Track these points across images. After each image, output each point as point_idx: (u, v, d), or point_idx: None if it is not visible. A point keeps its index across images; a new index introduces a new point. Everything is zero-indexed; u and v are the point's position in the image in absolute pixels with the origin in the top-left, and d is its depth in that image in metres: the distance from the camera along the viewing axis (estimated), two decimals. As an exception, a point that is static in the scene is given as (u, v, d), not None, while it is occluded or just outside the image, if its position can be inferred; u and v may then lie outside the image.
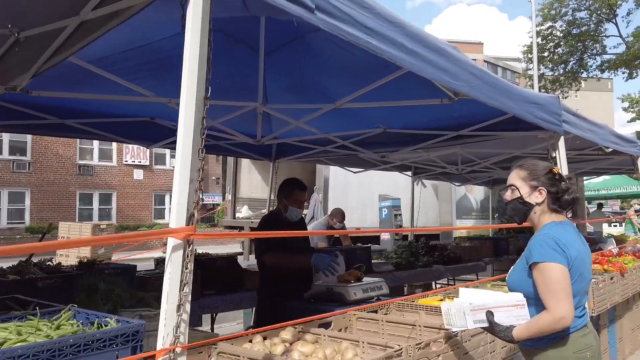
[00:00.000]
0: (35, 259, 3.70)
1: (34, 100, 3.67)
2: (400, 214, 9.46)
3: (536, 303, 2.00)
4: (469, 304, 2.02)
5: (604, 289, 4.18)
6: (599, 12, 22.98)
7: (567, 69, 24.79)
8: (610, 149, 4.96)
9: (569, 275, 1.94)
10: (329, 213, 8.01)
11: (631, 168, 6.74)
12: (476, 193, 11.51)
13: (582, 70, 24.90)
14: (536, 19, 21.24)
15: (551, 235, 1.99)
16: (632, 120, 26.40)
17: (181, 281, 1.26)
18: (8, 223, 20.24)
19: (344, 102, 3.44)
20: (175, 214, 1.28)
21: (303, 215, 4.12)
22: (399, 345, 2.00)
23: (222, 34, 3.54)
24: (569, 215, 2.17)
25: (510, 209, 2.19)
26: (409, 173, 8.12)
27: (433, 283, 7.08)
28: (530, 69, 23.74)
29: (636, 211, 15.84)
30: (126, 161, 23.76)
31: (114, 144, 22.25)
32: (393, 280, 5.64)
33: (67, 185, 21.87)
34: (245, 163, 10.87)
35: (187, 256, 1.29)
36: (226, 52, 3.72)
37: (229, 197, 10.83)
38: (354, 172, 7.09)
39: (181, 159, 1.30)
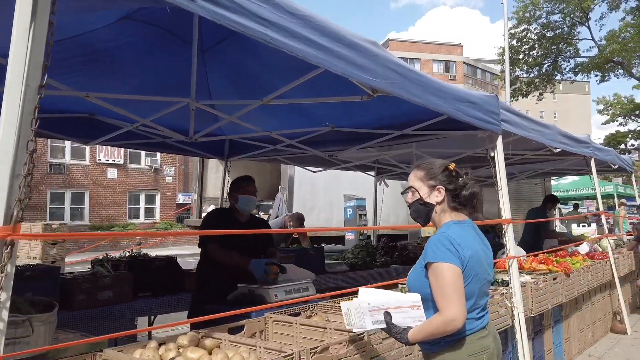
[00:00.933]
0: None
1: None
2: (365, 214, 9.41)
3: (434, 305, 1.93)
4: (367, 304, 1.98)
5: (545, 289, 4.16)
6: (572, 15, 23.31)
7: (541, 72, 25.09)
8: (558, 149, 4.96)
9: (463, 276, 1.89)
10: (289, 213, 7.92)
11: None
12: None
13: (556, 73, 25.23)
14: (511, 22, 21.46)
15: (447, 234, 1.94)
16: (607, 122, 26.84)
17: (-5, 286, 1.16)
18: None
19: (271, 99, 3.35)
20: (-8, 211, 1.17)
21: (263, 215, 4.17)
22: (292, 350, 1.91)
23: (157, 28, 3.44)
24: (470, 211, 2.12)
25: (412, 211, 2.13)
26: (372, 173, 8.08)
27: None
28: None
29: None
30: (99, 160, 23.36)
31: (87, 142, 21.79)
32: (347, 281, 5.57)
33: (37, 184, 21.36)
34: (212, 162, 10.71)
35: (5, 258, 1.18)
36: (162, 47, 3.62)
37: (194, 196, 10.67)
38: (314, 172, 7.01)
39: (4, 154, 1.19)
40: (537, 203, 9.09)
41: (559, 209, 16.71)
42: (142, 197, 24.70)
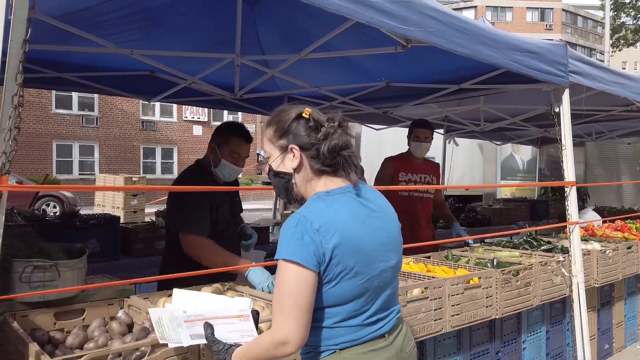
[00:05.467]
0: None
1: (31, 54, 3.78)
2: (434, 174, 9.08)
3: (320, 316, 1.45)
4: (183, 313, 1.51)
5: (615, 258, 3.79)
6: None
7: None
8: (646, 105, 4.39)
9: (325, 275, 1.39)
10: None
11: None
12: (523, 153, 10.78)
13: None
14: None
15: (301, 215, 1.40)
16: None
17: (-16, 234, 1.24)
18: (80, 174, 21.76)
19: (308, 52, 3.25)
20: (-22, 164, 1.24)
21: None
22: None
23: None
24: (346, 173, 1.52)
25: (274, 186, 1.60)
26: (441, 131, 7.73)
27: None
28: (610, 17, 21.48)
29: None
30: (186, 117, 24.57)
31: (173, 100, 22.97)
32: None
33: (131, 140, 23.05)
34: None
35: (-7, 208, 1.25)
36: (212, 3, 3.62)
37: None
38: (376, 130, 6.84)
39: (-12, 107, 1.24)
40: (631, 164, 8.27)
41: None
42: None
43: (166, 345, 1.56)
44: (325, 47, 3.35)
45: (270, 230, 5.22)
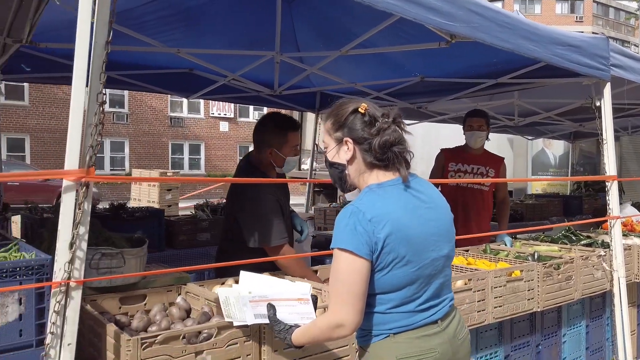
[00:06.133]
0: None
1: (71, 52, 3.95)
2: (464, 169, 9.03)
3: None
4: (249, 293, 1.62)
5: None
6: None
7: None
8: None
9: (377, 265, 1.46)
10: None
11: None
12: (555, 148, 10.60)
13: None
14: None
15: (354, 207, 1.48)
16: None
17: (74, 220, 1.35)
18: (111, 169, 22.31)
19: (349, 49, 3.31)
20: (68, 156, 1.35)
21: None
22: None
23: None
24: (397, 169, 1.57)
25: (330, 175, 1.68)
26: (472, 125, 7.69)
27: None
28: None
29: None
30: (212, 114, 24.90)
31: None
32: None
33: (160, 136, 23.51)
34: (310, 115, 10.92)
35: (82, 197, 1.36)
36: (251, 1, 3.71)
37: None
38: (407, 124, 6.84)
39: (75, 104, 1.35)
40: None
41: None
42: (251, 149, 26.01)
43: (231, 327, 1.65)
44: (364, 44, 3.40)
45: (304, 224, 5.31)
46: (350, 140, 1.57)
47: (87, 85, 1.37)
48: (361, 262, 1.44)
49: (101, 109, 1.40)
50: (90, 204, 1.38)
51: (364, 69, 4.40)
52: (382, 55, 3.95)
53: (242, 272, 1.75)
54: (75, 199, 1.35)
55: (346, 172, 1.60)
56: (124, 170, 22.55)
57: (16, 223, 4.07)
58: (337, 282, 1.47)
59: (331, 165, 1.63)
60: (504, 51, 2.73)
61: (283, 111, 3.73)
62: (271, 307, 1.59)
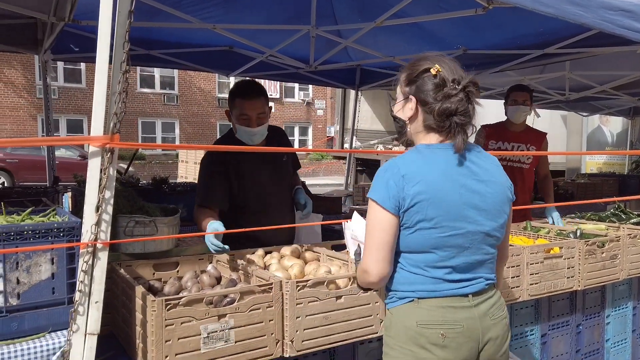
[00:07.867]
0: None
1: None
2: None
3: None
4: (351, 231, 1.77)
5: None
6: None
7: None
8: None
9: (403, 220, 1.48)
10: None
11: None
12: (612, 125, 10.01)
13: None
14: None
15: (394, 162, 1.51)
16: None
17: (100, 185, 1.40)
18: (162, 150, 23.07)
19: (383, 20, 3.23)
20: (94, 124, 1.40)
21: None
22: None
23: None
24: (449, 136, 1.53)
25: (395, 126, 1.70)
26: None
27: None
28: None
29: None
30: (258, 94, 25.11)
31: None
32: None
33: (208, 117, 24.03)
34: (353, 93, 10.82)
35: (107, 162, 1.41)
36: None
37: (337, 127, 10.99)
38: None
39: (99, 73, 1.39)
40: None
41: None
42: (296, 130, 26.18)
43: (253, 293, 1.67)
44: (399, 14, 3.31)
45: (342, 202, 5.32)
46: (415, 99, 1.55)
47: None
48: (385, 214, 1.47)
49: (125, 77, 1.43)
50: (115, 170, 1.43)
51: (402, 42, 4.29)
52: (421, 28, 3.84)
53: (355, 213, 1.87)
54: (101, 164, 1.40)
55: (407, 129, 1.61)
56: (175, 150, 23.25)
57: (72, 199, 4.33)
58: (367, 230, 1.54)
59: (394, 118, 1.65)
60: (551, 19, 2.58)
61: (312, 90, 3.72)
62: (359, 249, 1.75)
